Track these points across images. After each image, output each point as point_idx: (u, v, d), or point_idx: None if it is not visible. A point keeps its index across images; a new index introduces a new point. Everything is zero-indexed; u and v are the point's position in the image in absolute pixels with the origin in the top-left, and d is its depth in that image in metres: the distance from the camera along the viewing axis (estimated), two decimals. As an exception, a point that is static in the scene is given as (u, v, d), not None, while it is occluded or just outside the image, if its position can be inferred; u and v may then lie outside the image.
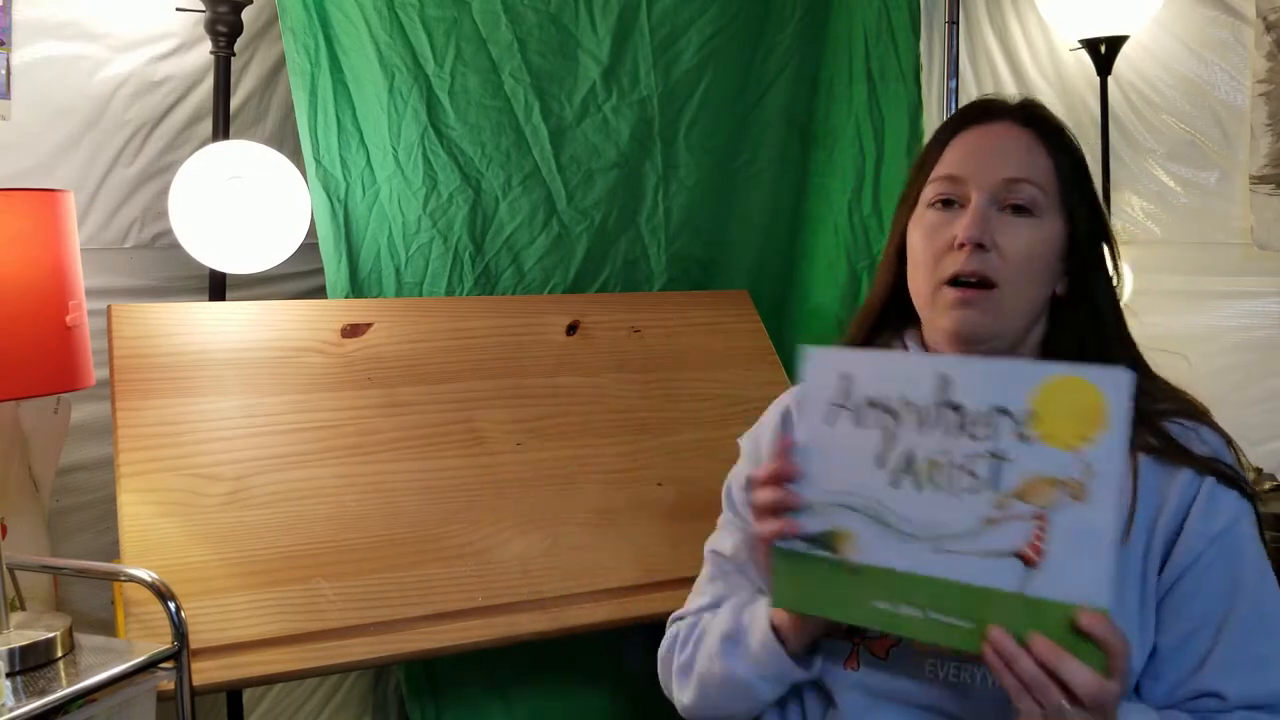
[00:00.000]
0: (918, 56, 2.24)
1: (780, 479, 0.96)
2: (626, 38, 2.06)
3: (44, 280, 1.24)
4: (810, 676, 1.07)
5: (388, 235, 1.94)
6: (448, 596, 1.59)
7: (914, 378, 0.91)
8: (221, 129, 1.79)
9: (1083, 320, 1.09)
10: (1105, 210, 1.12)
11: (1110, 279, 1.12)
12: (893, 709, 1.04)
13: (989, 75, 2.66)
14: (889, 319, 1.17)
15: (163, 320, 1.68)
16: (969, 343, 1.07)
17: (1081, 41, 2.46)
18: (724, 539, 1.21)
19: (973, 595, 0.87)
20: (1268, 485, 2.30)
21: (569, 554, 1.70)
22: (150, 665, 1.29)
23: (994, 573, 0.87)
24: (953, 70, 2.29)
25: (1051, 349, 1.10)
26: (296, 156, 1.84)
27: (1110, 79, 2.49)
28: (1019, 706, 0.86)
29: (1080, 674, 0.84)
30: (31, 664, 1.24)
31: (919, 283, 1.10)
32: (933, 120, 2.30)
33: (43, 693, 1.17)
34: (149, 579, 1.32)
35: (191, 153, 1.74)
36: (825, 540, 0.93)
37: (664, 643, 1.22)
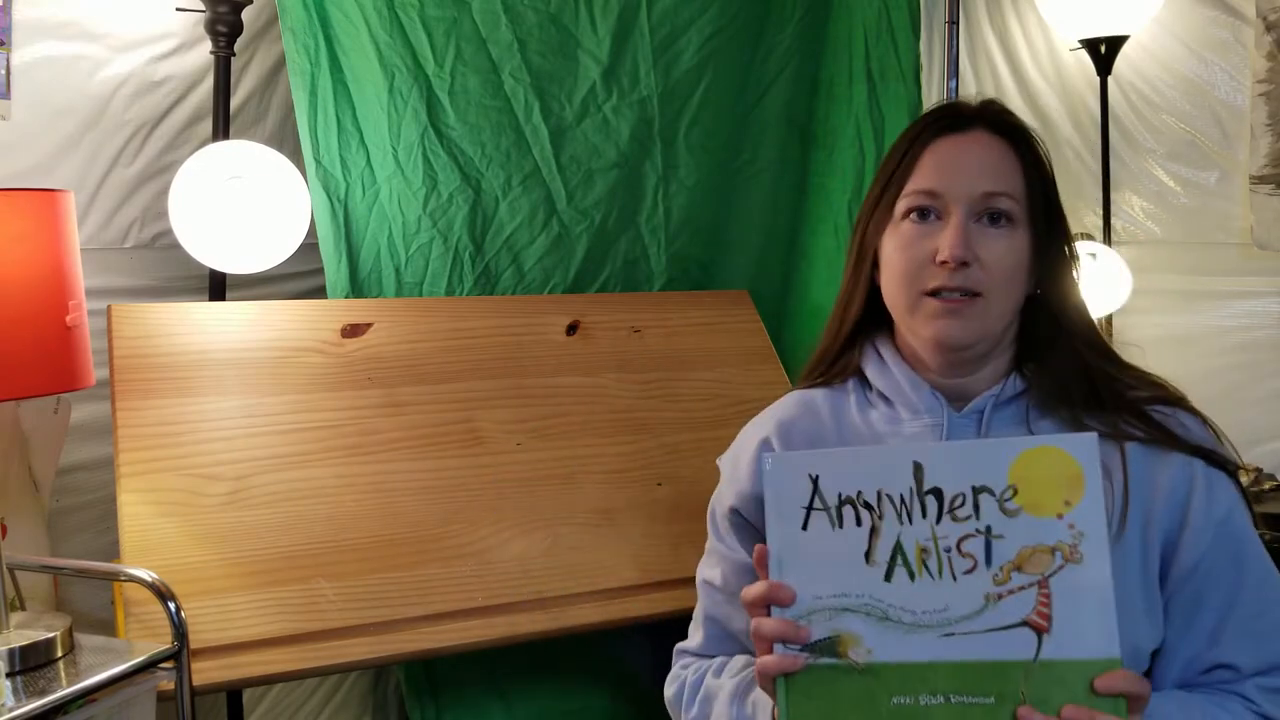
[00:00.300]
0: (918, 56, 2.24)
1: (771, 603, 0.93)
2: (626, 38, 2.06)
3: (44, 280, 1.24)
4: None
5: (388, 235, 1.94)
6: (448, 596, 1.59)
7: (886, 469, 0.92)
8: (221, 129, 1.79)
9: (1052, 316, 1.11)
10: (1063, 210, 1.14)
11: (1075, 276, 1.13)
12: None
13: (989, 75, 2.66)
14: (860, 328, 1.18)
15: (163, 320, 1.68)
16: (953, 350, 1.08)
17: (1081, 41, 2.46)
18: (713, 568, 1.21)
19: (991, 671, 0.89)
20: (1268, 485, 2.30)
21: (569, 554, 1.70)
22: (150, 665, 1.29)
23: (1007, 645, 0.89)
24: (953, 70, 2.29)
25: (1024, 346, 1.12)
26: (296, 156, 1.84)
27: (1110, 79, 2.49)
28: None
29: None
30: (31, 664, 1.24)
31: (896, 294, 1.10)
32: (933, 120, 2.30)
33: (43, 693, 1.18)
34: (149, 579, 1.32)
35: (191, 153, 1.74)
36: (829, 647, 0.92)
37: (672, 685, 1.22)
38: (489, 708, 2.00)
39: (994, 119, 1.12)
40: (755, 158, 2.27)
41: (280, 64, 1.94)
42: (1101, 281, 2.40)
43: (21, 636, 1.26)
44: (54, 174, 1.72)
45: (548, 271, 2.08)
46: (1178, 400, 1.10)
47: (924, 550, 0.90)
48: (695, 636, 1.23)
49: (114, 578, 1.46)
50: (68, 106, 1.74)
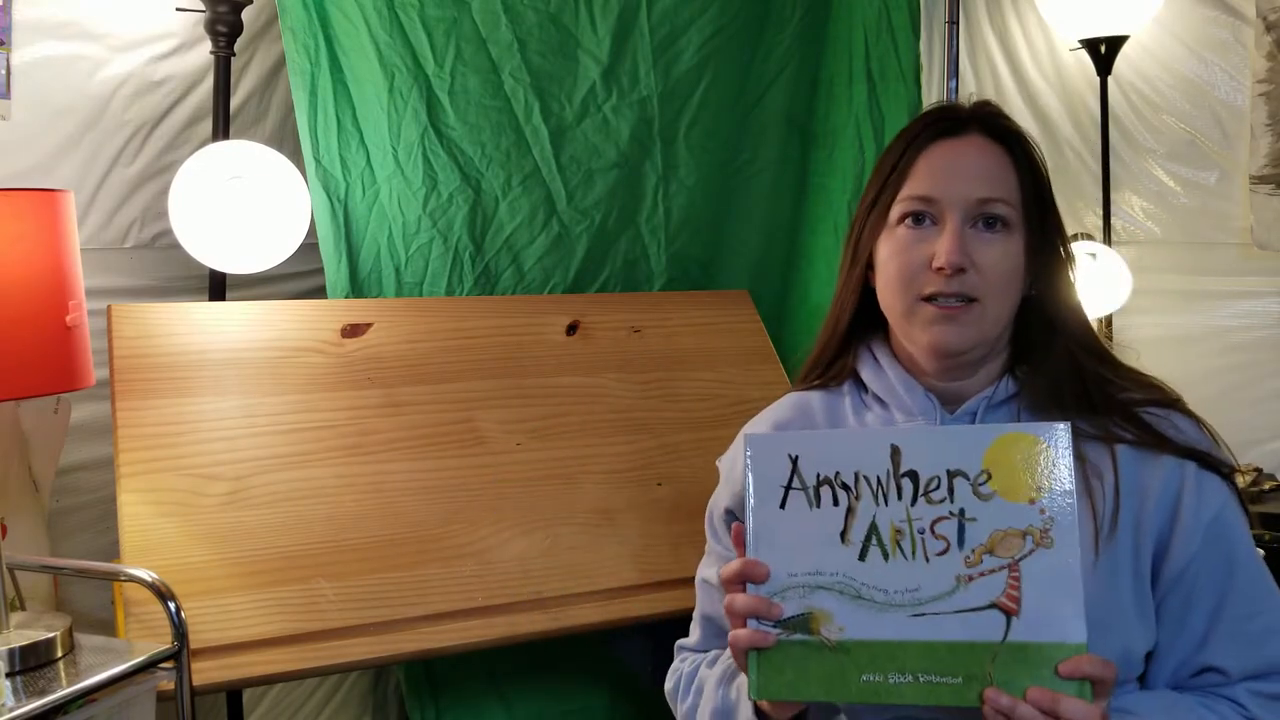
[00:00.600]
0: (918, 56, 2.24)
1: (746, 580, 0.95)
2: (626, 38, 2.06)
3: (44, 280, 1.24)
4: None
5: (388, 235, 1.94)
6: (448, 596, 1.59)
7: (865, 452, 0.94)
8: (221, 129, 1.79)
9: (1047, 319, 1.11)
10: (1059, 213, 1.15)
11: (1070, 277, 1.13)
12: None
13: (989, 75, 2.66)
14: (855, 330, 1.18)
15: (163, 320, 1.68)
16: (950, 355, 1.08)
17: (1081, 41, 2.46)
18: (710, 567, 1.22)
19: (960, 651, 0.90)
20: (1268, 485, 2.30)
21: (569, 554, 1.70)
22: (150, 665, 1.29)
23: (976, 627, 0.91)
24: (953, 70, 2.29)
25: (1019, 348, 1.12)
26: (296, 156, 1.84)
27: (1110, 79, 2.50)
28: None
29: (1076, 709, 0.87)
30: (31, 664, 1.24)
31: (892, 299, 1.10)
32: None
33: (43, 693, 1.18)
34: (149, 579, 1.32)
35: (191, 153, 1.73)
36: (801, 624, 0.94)
37: (671, 678, 1.24)
38: (489, 708, 2.00)
39: (989, 122, 1.12)
40: (755, 157, 2.27)
41: (280, 64, 1.94)
42: (1101, 281, 2.40)
43: (21, 636, 1.26)
44: (54, 174, 1.72)
45: (548, 271, 2.08)
46: (1172, 402, 1.10)
47: (898, 531, 0.92)
48: (694, 634, 1.25)
49: (114, 578, 1.46)
50: (68, 106, 1.74)
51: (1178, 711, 1.01)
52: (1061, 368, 1.09)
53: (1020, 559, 0.90)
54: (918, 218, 1.09)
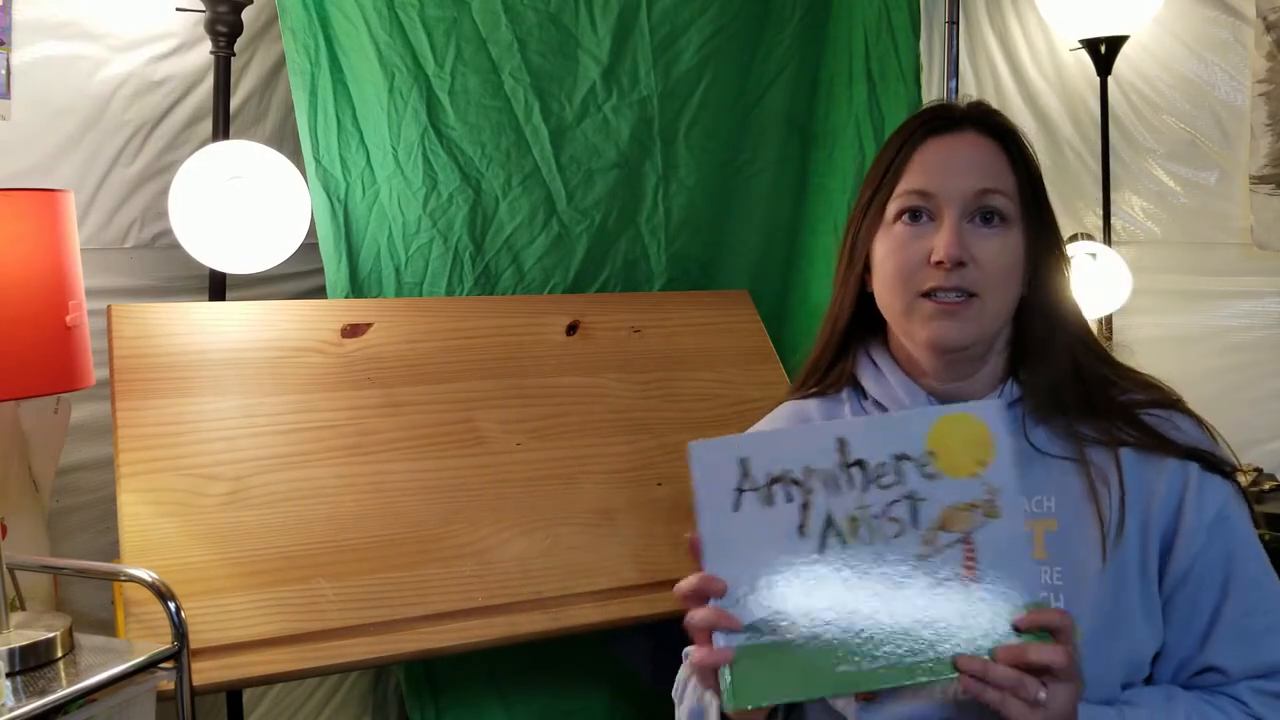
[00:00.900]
0: (918, 56, 2.24)
1: (704, 595, 0.93)
2: (626, 37, 2.06)
3: (44, 280, 1.24)
4: None
5: (388, 235, 1.94)
6: (448, 596, 1.59)
7: (812, 446, 0.95)
8: (221, 129, 1.79)
9: (1046, 319, 1.10)
10: (1054, 212, 1.15)
11: (1067, 276, 1.13)
12: None
13: (989, 75, 2.66)
14: (853, 332, 1.18)
15: (163, 320, 1.68)
16: (949, 352, 1.08)
17: (1081, 41, 2.46)
18: None
19: (928, 627, 0.92)
20: (1268, 485, 2.30)
21: (569, 554, 1.70)
22: (150, 665, 1.29)
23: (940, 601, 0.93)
24: (953, 70, 2.29)
25: (1018, 349, 1.12)
26: (296, 156, 1.84)
27: (1110, 79, 2.50)
28: (1009, 714, 0.89)
29: (1045, 652, 0.89)
30: (31, 664, 1.24)
31: (891, 298, 1.10)
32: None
33: (43, 693, 1.18)
34: (149, 579, 1.32)
35: (191, 153, 1.73)
36: (769, 625, 0.93)
37: (675, 684, 1.23)
38: (489, 708, 2.00)
39: (983, 119, 1.12)
40: (755, 157, 2.27)
41: (280, 64, 1.94)
42: (1101, 281, 2.40)
43: (21, 636, 1.26)
44: (54, 174, 1.72)
45: (548, 271, 2.08)
46: (1173, 403, 1.10)
47: (854, 520, 0.93)
48: None
49: (114, 578, 1.46)
50: (68, 106, 1.74)
51: (1177, 703, 1.01)
52: (1062, 369, 1.09)
53: (972, 531, 0.93)
54: (914, 214, 1.08)
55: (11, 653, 1.22)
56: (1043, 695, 0.89)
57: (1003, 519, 0.93)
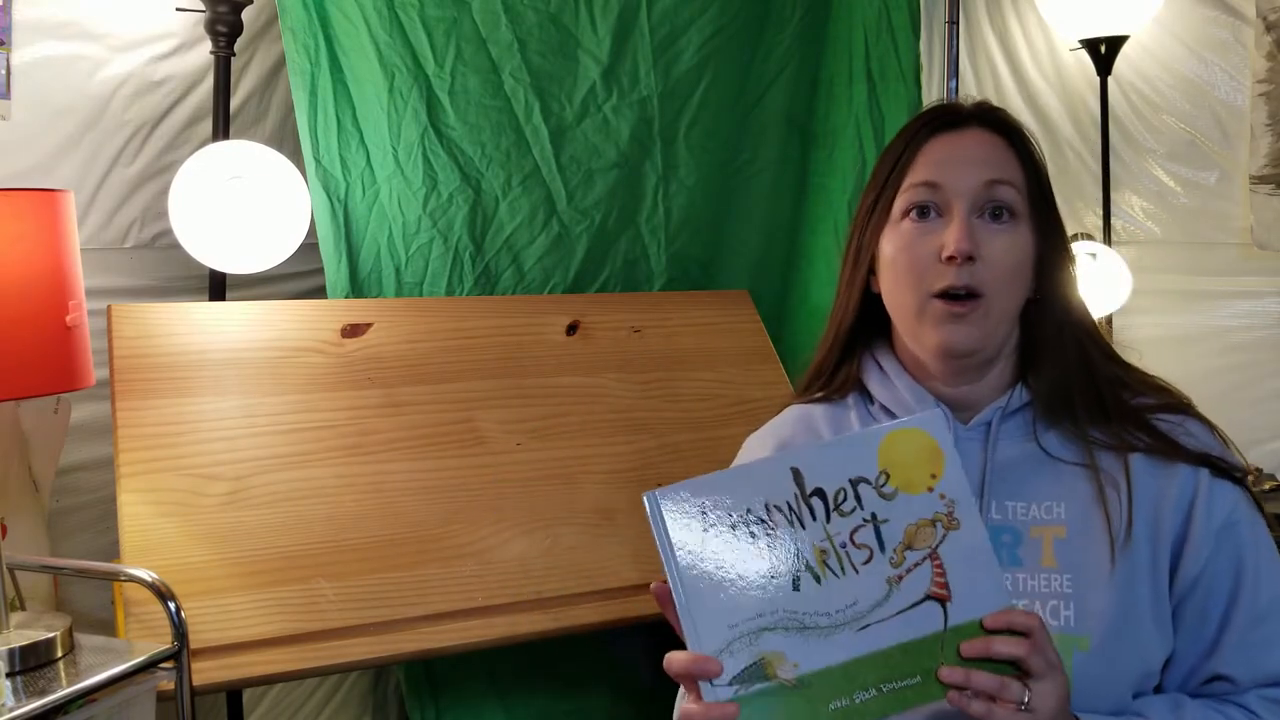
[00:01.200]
0: (918, 56, 2.24)
1: (700, 678, 0.90)
2: (626, 37, 2.06)
3: (44, 280, 1.24)
4: None
5: (388, 235, 1.94)
6: (448, 596, 1.59)
7: (767, 482, 0.94)
8: (221, 129, 1.79)
9: (1055, 319, 1.10)
10: (1059, 213, 1.14)
11: (1075, 279, 1.12)
12: None
13: (989, 75, 2.66)
14: (857, 335, 1.17)
15: (163, 320, 1.68)
16: (958, 357, 1.07)
17: (1081, 41, 2.46)
18: None
19: (911, 651, 0.91)
20: (1268, 485, 2.30)
21: (569, 554, 1.70)
22: (150, 665, 1.29)
23: (917, 623, 0.92)
24: (953, 70, 2.29)
25: (1027, 351, 1.11)
26: (296, 156, 1.84)
27: (1110, 79, 2.50)
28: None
29: (1010, 645, 0.89)
30: (31, 664, 1.24)
31: (900, 297, 1.09)
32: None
33: (43, 693, 1.18)
34: (149, 579, 1.32)
35: (191, 153, 1.73)
36: (757, 673, 0.91)
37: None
38: (489, 708, 2.00)
39: (988, 116, 1.11)
40: (755, 157, 2.27)
41: (280, 64, 1.94)
42: (1101, 281, 2.40)
43: (21, 636, 1.26)
44: (54, 174, 1.72)
45: (548, 271, 2.08)
46: (1184, 407, 1.09)
47: (822, 552, 0.92)
48: None
49: (114, 578, 1.46)
50: (68, 106, 1.74)
51: (1185, 711, 1.00)
52: (1073, 372, 1.08)
53: (937, 546, 0.93)
54: (923, 210, 1.07)
55: (11, 653, 1.22)
56: (1027, 697, 0.89)
57: (964, 529, 0.93)
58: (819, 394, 1.20)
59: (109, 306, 1.66)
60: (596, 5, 2.03)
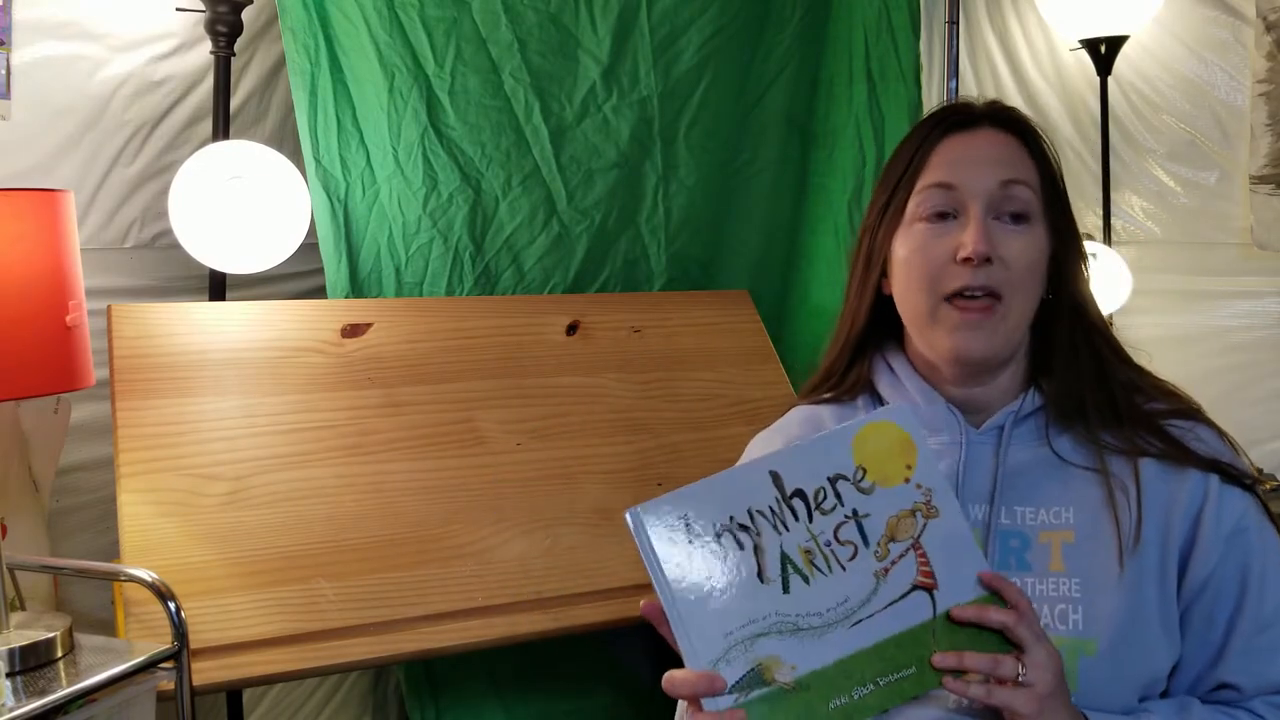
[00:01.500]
0: (918, 56, 2.24)
1: (704, 696, 0.89)
2: (626, 37, 2.06)
3: (44, 280, 1.24)
4: None
5: (388, 235, 1.94)
6: (448, 596, 1.59)
7: (748, 487, 0.94)
8: (221, 129, 1.79)
9: (1070, 320, 1.09)
10: (1073, 213, 1.14)
11: (1088, 277, 1.12)
12: None
13: (989, 75, 2.66)
14: (867, 339, 1.16)
15: (163, 320, 1.68)
16: (971, 363, 1.06)
17: (1081, 41, 2.46)
18: None
19: (903, 642, 0.92)
20: (1269, 485, 2.30)
21: (569, 554, 1.70)
22: (150, 665, 1.29)
23: (907, 614, 0.93)
24: (953, 70, 2.29)
25: (1039, 355, 1.10)
26: (296, 156, 1.84)
27: (1110, 79, 2.50)
28: (997, 703, 0.90)
29: (999, 614, 0.91)
30: (31, 664, 1.24)
31: (914, 299, 1.08)
32: (932, 120, 2.30)
33: (43, 693, 1.18)
34: (149, 579, 1.32)
35: (191, 153, 1.73)
36: (756, 679, 0.91)
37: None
38: (489, 708, 2.00)
39: (1000, 116, 1.11)
40: (755, 157, 2.27)
41: (280, 64, 1.94)
42: (1101, 281, 2.40)
43: (21, 636, 1.26)
44: (54, 174, 1.72)
45: (548, 271, 2.08)
46: (1195, 413, 1.09)
47: (808, 552, 0.93)
48: None
49: (114, 578, 1.46)
50: (68, 106, 1.74)
51: (1191, 712, 1.00)
52: (1086, 374, 1.08)
53: (919, 536, 0.94)
54: (940, 213, 1.07)
55: (11, 653, 1.22)
56: (1022, 670, 0.89)
57: (943, 517, 0.95)
58: (828, 395, 1.19)
59: (109, 306, 1.66)
60: (596, 5, 2.03)
